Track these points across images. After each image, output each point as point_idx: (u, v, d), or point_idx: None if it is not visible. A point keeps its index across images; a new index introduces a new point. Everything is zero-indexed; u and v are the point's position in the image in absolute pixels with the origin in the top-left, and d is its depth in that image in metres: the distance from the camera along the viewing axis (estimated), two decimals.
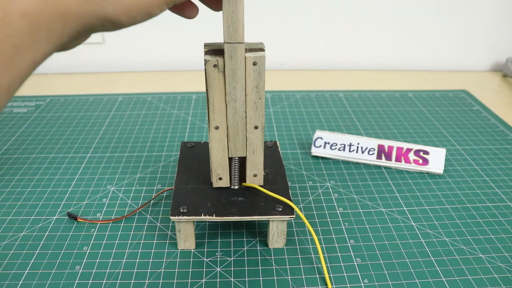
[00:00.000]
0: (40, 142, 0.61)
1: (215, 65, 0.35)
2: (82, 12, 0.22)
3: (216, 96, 0.36)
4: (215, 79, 0.35)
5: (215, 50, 0.35)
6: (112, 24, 0.25)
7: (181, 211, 0.39)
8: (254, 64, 0.35)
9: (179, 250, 0.42)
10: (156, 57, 0.88)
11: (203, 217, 0.39)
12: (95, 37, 0.84)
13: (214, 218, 0.39)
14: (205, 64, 0.34)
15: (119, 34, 0.85)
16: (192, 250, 0.42)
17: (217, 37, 0.86)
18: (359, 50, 0.90)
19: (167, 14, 0.84)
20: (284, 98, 0.75)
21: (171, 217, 0.39)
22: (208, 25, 0.85)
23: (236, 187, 0.42)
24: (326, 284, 0.38)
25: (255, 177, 0.42)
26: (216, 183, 0.42)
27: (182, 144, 0.49)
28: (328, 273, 0.39)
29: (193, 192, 0.42)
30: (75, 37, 0.24)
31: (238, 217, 0.39)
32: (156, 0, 0.25)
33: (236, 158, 0.41)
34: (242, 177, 0.42)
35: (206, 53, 0.35)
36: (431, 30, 0.88)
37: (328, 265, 0.40)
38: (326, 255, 0.41)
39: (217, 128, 0.38)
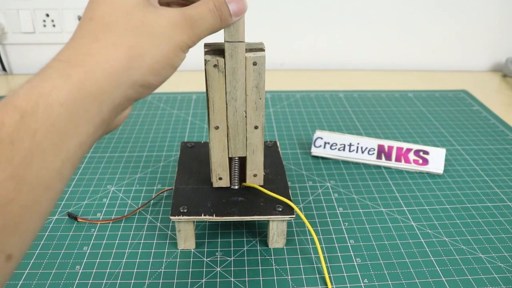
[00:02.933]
0: None
1: (215, 65, 0.34)
2: (113, 88, 0.24)
3: (216, 95, 0.36)
4: (215, 79, 0.35)
5: (215, 50, 0.35)
6: (143, 87, 0.26)
7: (181, 211, 0.39)
8: (254, 64, 0.35)
9: (179, 250, 0.42)
10: None
11: (203, 217, 0.39)
12: None
13: (214, 218, 0.39)
14: (205, 64, 0.34)
15: None
16: (192, 250, 0.42)
17: (218, 38, 0.85)
18: (359, 50, 0.90)
19: None
20: (284, 98, 0.75)
21: (171, 217, 0.39)
22: None
23: (236, 187, 0.42)
24: (326, 284, 0.38)
25: (255, 177, 0.42)
26: (216, 183, 0.42)
27: (182, 144, 0.49)
28: (328, 273, 0.39)
29: (193, 192, 0.42)
30: (116, 112, 0.25)
31: (238, 217, 0.39)
32: (171, 50, 0.26)
33: (236, 158, 0.41)
34: (242, 177, 0.42)
35: (206, 53, 0.35)
36: (431, 30, 0.88)
37: (328, 265, 0.40)
38: (326, 255, 0.41)
39: (217, 128, 0.38)
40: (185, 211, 0.39)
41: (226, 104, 0.37)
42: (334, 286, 0.38)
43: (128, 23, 0.25)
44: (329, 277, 0.39)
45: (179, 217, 0.39)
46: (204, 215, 0.39)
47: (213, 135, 0.38)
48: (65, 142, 0.22)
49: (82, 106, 0.23)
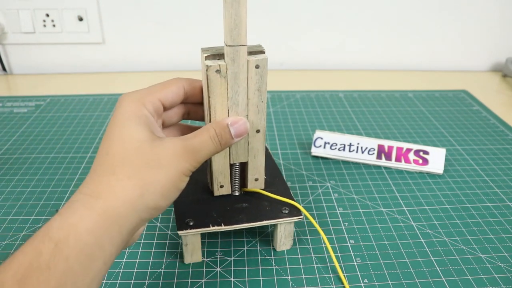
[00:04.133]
0: (40, 142, 0.61)
1: (217, 70, 0.33)
2: (130, 213, 0.28)
3: (218, 102, 0.35)
4: (217, 85, 0.34)
5: (215, 55, 0.34)
6: (155, 210, 0.30)
7: (188, 224, 0.38)
8: (257, 67, 0.34)
9: (179, 250, 0.42)
10: (156, 57, 0.88)
11: (211, 228, 0.37)
12: (95, 37, 0.85)
13: (223, 228, 0.38)
14: (206, 70, 0.33)
15: (119, 34, 0.85)
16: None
17: (218, 37, 0.85)
18: (359, 50, 0.90)
19: (168, 14, 0.84)
20: (284, 98, 0.75)
21: (179, 232, 0.37)
22: (208, 25, 0.85)
23: (237, 193, 0.41)
24: (326, 283, 0.38)
25: (256, 181, 0.41)
26: (218, 192, 0.40)
27: None
28: (328, 273, 0.39)
29: (195, 203, 0.40)
30: (133, 232, 0.29)
31: (248, 224, 0.38)
32: (176, 177, 0.30)
33: (237, 164, 0.40)
34: (242, 183, 0.42)
35: (207, 58, 0.34)
36: (431, 30, 0.88)
37: (328, 265, 0.40)
38: (326, 254, 0.41)
39: None
40: (192, 224, 0.38)
41: (228, 110, 0.35)
42: (349, 285, 0.38)
43: (139, 157, 0.29)
44: (343, 275, 0.39)
45: (188, 231, 0.37)
46: (213, 225, 0.38)
47: None
48: (93, 263, 0.26)
49: (105, 231, 0.27)
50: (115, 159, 0.29)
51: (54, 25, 0.82)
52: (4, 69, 0.86)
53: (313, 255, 0.41)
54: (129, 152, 0.29)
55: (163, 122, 0.36)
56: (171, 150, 0.30)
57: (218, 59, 0.34)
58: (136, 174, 0.29)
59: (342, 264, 0.40)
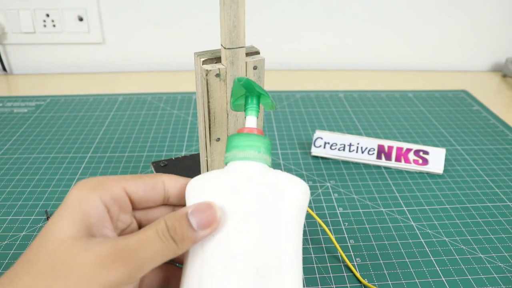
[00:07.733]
0: (41, 142, 0.61)
1: (217, 74, 0.33)
2: None
3: (217, 106, 0.34)
4: (217, 89, 0.34)
5: (212, 59, 0.34)
6: None
7: None
8: (255, 68, 0.34)
9: None
10: (156, 57, 0.88)
11: None
12: (95, 37, 0.85)
13: None
14: (206, 75, 0.33)
15: (119, 34, 0.85)
16: None
17: (217, 36, 0.86)
18: (359, 50, 0.90)
19: (168, 15, 0.84)
20: (284, 98, 0.75)
21: None
22: (209, 25, 0.85)
23: None
24: (325, 283, 0.38)
25: None
26: None
27: (154, 165, 0.45)
28: (328, 273, 0.39)
29: None
30: None
31: None
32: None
33: None
34: None
35: (204, 62, 0.33)
36: (431, 30, 0.88)
37: (328, 265, 0.40)
38: (326, 254, 0.41)
39: (218, 140, 0.36)
40: None
41: (227, 113, 0.35)
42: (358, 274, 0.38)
43: (47, 262, 0.21)
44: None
45: None
46: None
47: (214, 148, 0.37)
48: None
49: None
50: (24, 260, 0.22)
51: (54, 25, 0.82)
52: (4, 69, 0.86)
53: (313, 255, 0.41)
54: (43, 253, 0.21)
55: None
56: (95, 253, 0.21)
57: (216, 63, 0.33)
58: (32, 286, 0.20)
59: (341, 264, 0.40)
